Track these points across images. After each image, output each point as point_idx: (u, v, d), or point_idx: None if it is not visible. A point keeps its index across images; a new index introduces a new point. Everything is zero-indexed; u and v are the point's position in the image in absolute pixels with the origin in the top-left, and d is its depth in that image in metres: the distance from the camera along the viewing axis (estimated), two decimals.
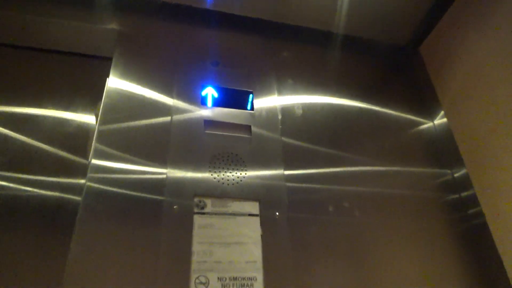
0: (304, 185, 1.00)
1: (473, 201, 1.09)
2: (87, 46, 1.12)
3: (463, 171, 1.14)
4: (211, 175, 0.92)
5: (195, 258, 0.79)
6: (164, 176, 0.88)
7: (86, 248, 0.76)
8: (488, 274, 1.01)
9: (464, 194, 1.12)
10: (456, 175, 1.16)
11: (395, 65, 1.39)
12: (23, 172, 0.93)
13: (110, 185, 0.84)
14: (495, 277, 1.00)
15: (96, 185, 0.83)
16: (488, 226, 1.03)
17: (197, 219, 0.84)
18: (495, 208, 1.02)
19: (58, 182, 0.94)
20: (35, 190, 0.91)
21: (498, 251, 1.00)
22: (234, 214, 0.87)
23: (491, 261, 1.01)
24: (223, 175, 0.93)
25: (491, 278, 1.01)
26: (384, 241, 0.98)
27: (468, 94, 1.15)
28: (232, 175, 0.93)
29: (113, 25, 1.10)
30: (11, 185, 0.91)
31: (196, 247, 0.81)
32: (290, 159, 1.01)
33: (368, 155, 1.11)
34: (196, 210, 0.85)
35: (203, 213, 0.85)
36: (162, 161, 0.90)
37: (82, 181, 0.93)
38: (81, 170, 0.95)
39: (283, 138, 1.04)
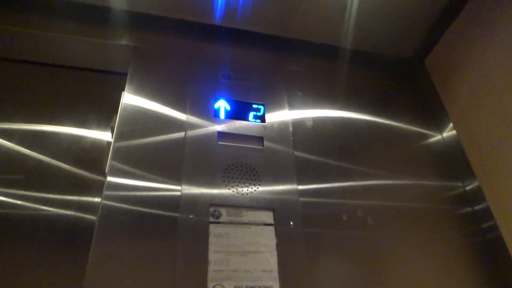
0: (317, 199, 0.99)
1: (487, 214, 1.08)
2: (102, 62, 1.14)
3: (475, 184, 1.13)
4: (226, 185, 0.92)
5: (211, 267, 0.79)
6: (179, 193, 0.88)
7: (103, 265, 0.75)
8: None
9: (477, 207, 1.11)
10: (467, 188, 1.15)
11: (401, 78, 1.40)
12: (38, 191, 0.92)
13: (126, 203, 0.83)
14: None
15: (111, 203, 0.82)
16: (504, 239, 1.02)
17: (213, 228, 0.84)
18: (510, 221, 1.01)
19: (73, 200, 0.93)
20: (50, 208, 0.91)
21: None
22: (249, 224, 0.87)
23: (507, 275, 1.00)
24: (237, 185, 0.93)
25: None
26: (398, 255, 0.97)
27: (476, 105, 1.15)
28: (246, 185, 0.93)
29: (128, 41, 1.12)
30: (27, 204, 0.90)
31: (212, 256, 0.81)
32: (302, 173, 1.01)
33: (379, 168, 1.11)
34: (211, 219, 0.85)
35: (219, 223, 0.85)
36: (176, 178, 0.90)
37: (97, 199, 0.94)
38: (95, 187, 0.95)
39: (295, 152, 1.04)
